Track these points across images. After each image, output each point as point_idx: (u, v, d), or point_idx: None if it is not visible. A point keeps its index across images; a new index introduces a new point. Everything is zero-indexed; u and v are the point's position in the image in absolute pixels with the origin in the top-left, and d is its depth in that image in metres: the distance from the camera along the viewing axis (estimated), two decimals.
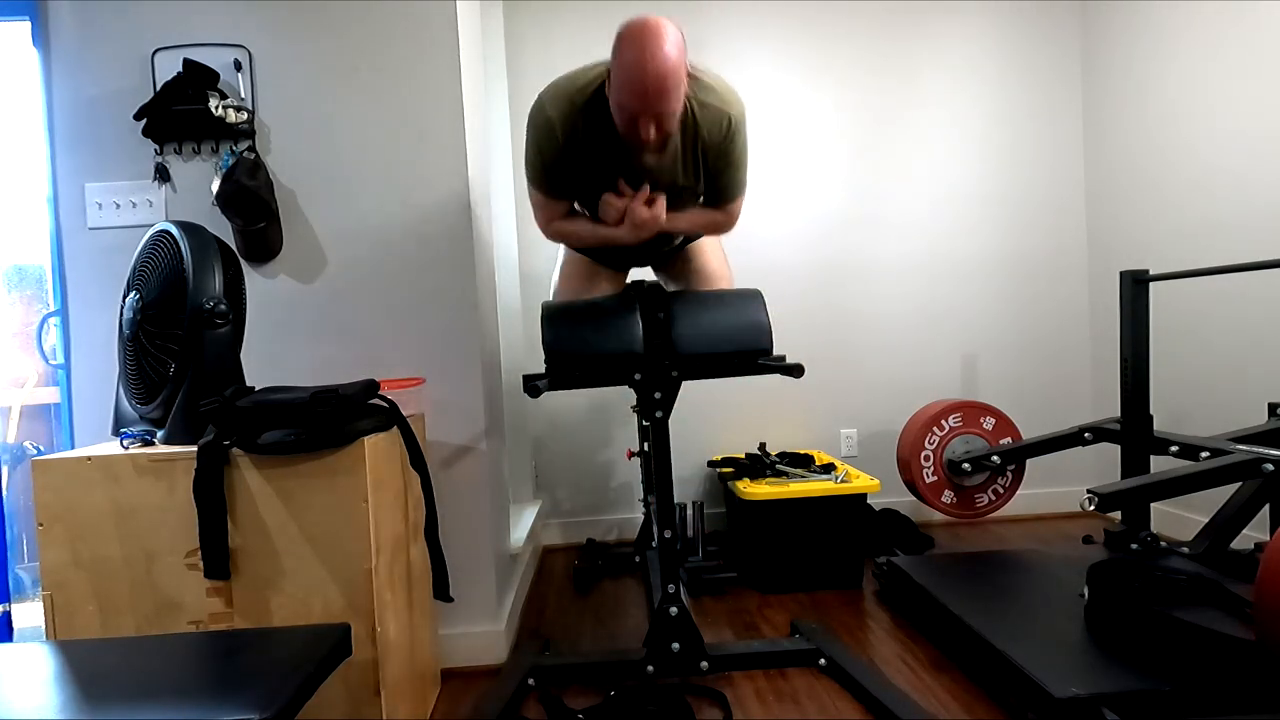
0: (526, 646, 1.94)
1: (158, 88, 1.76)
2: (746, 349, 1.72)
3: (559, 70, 1.67)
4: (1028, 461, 2.51)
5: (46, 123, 1.80)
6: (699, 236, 1.94)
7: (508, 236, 2.79)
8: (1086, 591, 1.74)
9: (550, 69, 2.86)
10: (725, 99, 1.64)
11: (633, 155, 1.58)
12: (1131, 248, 2.83)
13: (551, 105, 1.60)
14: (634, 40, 1.45)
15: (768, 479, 2.43)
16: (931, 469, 2.54)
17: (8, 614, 1.58)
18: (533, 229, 2.91)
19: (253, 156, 1.78)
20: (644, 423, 2.33)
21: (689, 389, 2.21)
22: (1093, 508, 1.74)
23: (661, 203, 1.64)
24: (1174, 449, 1.97)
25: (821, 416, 3.03)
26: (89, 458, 1.27)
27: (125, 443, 1.33)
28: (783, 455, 2.75)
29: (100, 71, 1.79)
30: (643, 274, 2.01)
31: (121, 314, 1.41)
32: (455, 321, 1.85)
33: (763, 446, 2.76)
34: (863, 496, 2.34)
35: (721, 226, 1.83)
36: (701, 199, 1.77)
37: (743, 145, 1.69)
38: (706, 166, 1.68)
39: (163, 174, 1.80)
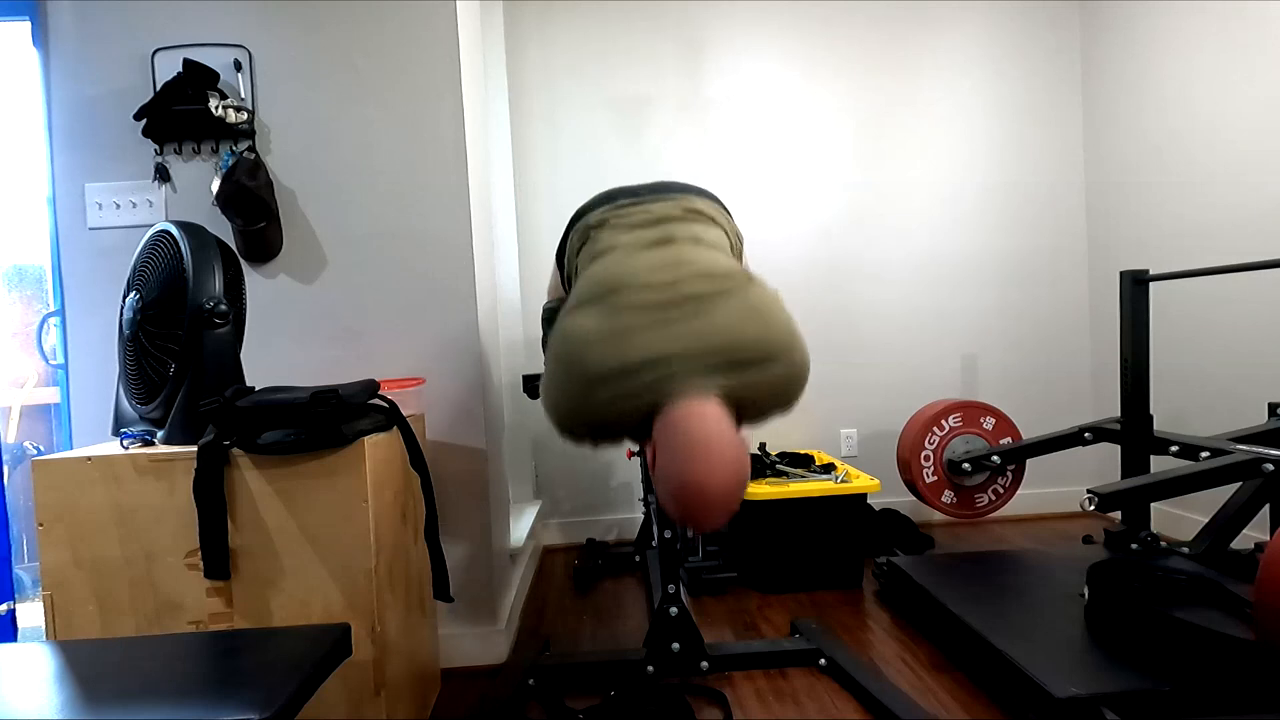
0: (526, 646, 1.94)
1: (158, 88, 1.76)
2: None
3: (559, 70, 1.65)
4: (1028, 461, 2.51)
5: (46, 123, 1.80)
6: None
7: (508, 236, 2.79)
8: (1086, 591, 1.74)
9: (550, 69, 2.90)
10: (794, 387, 1.33)
11: None
12: (1131, 248, 2.83)
13: (580, 424, 1.31)
14: (693, 497, 1.18)
15: (768, 479, 2.43)
16: (931, 469, 2.54)
17: (12, 612, 1.58)
18: (534, 228, 2.93)
19: (253, 156, 1.78)
20: None
21: None
22: (1093, 508, 1.74)
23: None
24: (1174, 449, 1.97)
25: (821, 416, 3.03)
26: (89, 458, 1.27)
27: (125, 443, 1.33)
28: (783, 455, 2.75)
29: (100, 71, 1.79)
30: None
31: (121, 314, 1.41)
32: (455, 321, 1.85)
33: (763, 446, 2.76)
34: (863, 496, 2.34)
35: None
36: None
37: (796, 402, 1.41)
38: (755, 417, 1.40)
39: (163, 174, 1.80)
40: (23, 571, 2.06)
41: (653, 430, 1.26)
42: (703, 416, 1.20)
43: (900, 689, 1.61)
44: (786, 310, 1.34)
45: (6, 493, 1.57)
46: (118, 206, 1.80)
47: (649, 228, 1.44)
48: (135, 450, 1.29)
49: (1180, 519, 2.62)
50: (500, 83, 2.80)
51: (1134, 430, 2.17)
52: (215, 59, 1.79)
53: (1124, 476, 2.19)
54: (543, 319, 1.78)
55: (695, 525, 1.23)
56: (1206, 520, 2.01)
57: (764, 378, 1.27)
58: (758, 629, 2.06)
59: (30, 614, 1.74)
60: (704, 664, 1.72)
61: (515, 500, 2.71)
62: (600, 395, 1.25)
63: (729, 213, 1.59)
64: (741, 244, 1.60)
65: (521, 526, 2.45)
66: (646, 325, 1.27)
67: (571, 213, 1.64)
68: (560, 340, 1.32)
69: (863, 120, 3.00)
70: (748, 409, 1.30)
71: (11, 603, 1.58)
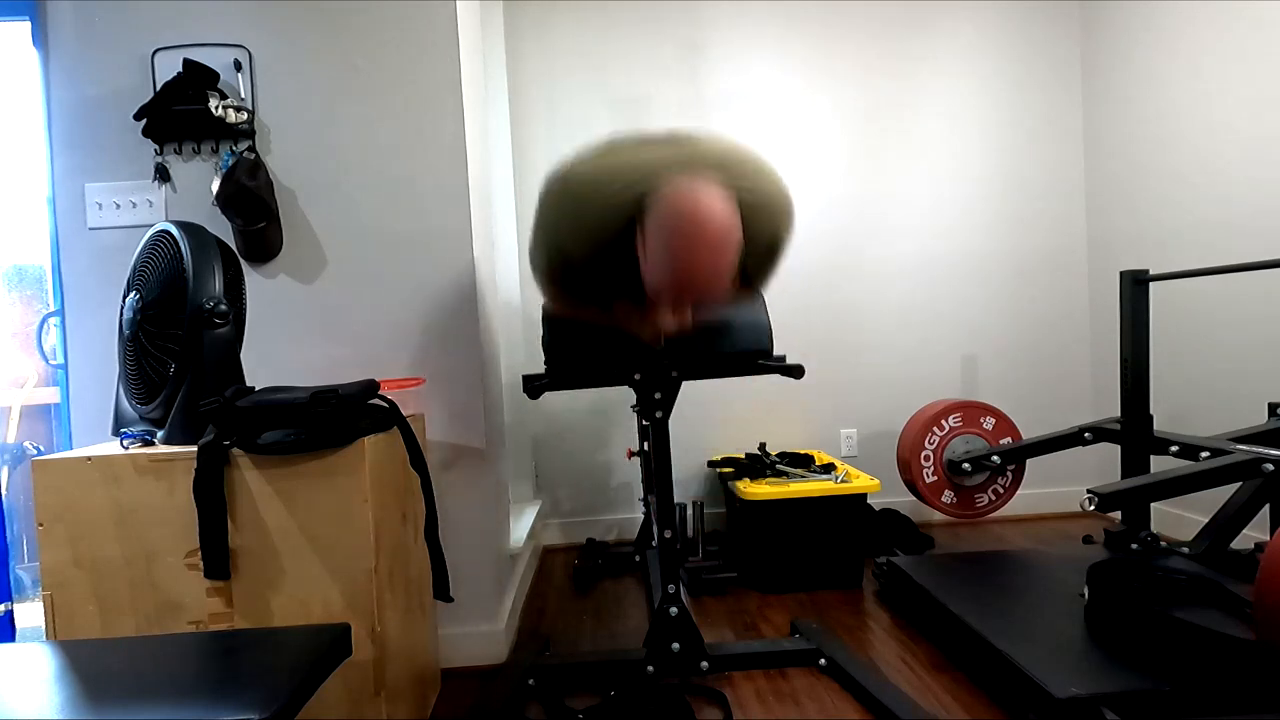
0: (526, 646, 1.94)
1: (158, 88, 1.76)
2: (746, 349, 1.72)
3: (559, 70, 1.65)
4: (1028, 461, 2.51)
5: (46, 123, 1.80)
6: None
7: (508, 236, 2.79)
8: (1086, 591, 1.74)
9: (550, 69, 2.90)
10: (777, 210, 1.42)
11: None
12: (1131, 248, 2.83)
13: (569, 235, 1.38)
14: (682, 231, 1.23)
15: (768, 479, 2.43)
16: (931, 469, 2.54)
17: (10, 613, 1.58)
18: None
19: (253, 156, 1.78)
20: (644, 423, 2.34)
21: (689, 389, 2.21)
22: (1093, 508, 1.74)
23: (688, 311, 1.43)
24: (1174, 449, 1.97)
25: (821, 416, 3.03)
26: (89, 458, 1.27)
27: (125, 443, 1.33)
28: (783, 455, 2.75)
29: (100, 71, 1.79)
30: None
31: (121, 314, 1.41)
32: (455, 321, 1.85)
33: (763, 446, 2.76)
34: (863, 496, 2.34)
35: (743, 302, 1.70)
36: None
37: (786, 248, 1.51)
38: (745, 268, 1.48)
39: (163, 174, 1.80)
40: (23, 571, 2.06)
41: (645, 218, 1.30)
42: (694, 181, 1.27)
43: (900, 689, 1.61)
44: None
45: (4, 493, 1.57)
46: (118, 206, 1.80)
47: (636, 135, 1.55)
48: (135, 450, 1.29)
49: (1180, 519, 2.62)
50: (500, 83, 2.80)
51: (1134, 430, 2.17)
52: (215, 59, 1.79)
53: (1124, 476, 2.19)
54: (543, 317, 1.78)
55: (687, 280, 1.26)
56: (1206, 520, 2.01)
57: (748, 184, 1.36)
58: (758, 629, 2.06)
59: (30, 614, 1.74)
60: (704, 664, 1.72)
61: (515, 500, 2.71)
62: (593, 195, 1.33)
63: None
64: None
65: (521, 526, 2.45)
66: (637, 148, 1.39)
67: None
68: (551, 179, 1.42)
69: (863, 120, 3.00)
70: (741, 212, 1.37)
71: (9, 603, 1.58)
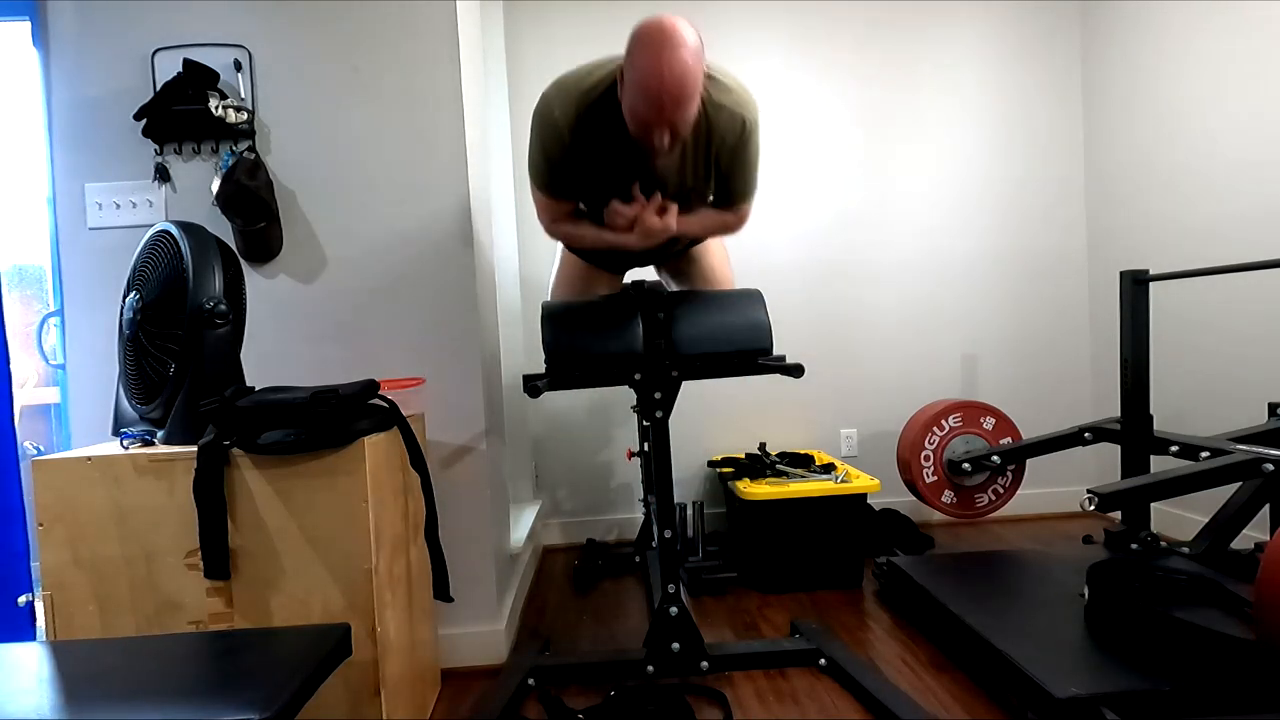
0: (526, 646, 1.94)
1: (158, 88, 1.76)
2: (746, 349, 1.72)
3: (559, 70, 1.66)
4: (1028, 461, 2.51)
5: (46, 123, 1.80)
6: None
7: (508, 236, 2.79)
8: (1086, 591, 1.74)
9: (550, 69, 2.86)
10: (741, 101, 1.60)
11: (643, 158, 1.55)
12: (1131, 248, 2.83)
13: (558, 105, 1.55)
14: (649, 44, 1.40)
15: (768, 479, 2.43)
16: (931, 469, 2.54)
17: (30, 604, 1.58)
18: (533, 228, 2.92)
19: (253, 156, 1.78)
20: (644, 423, 2.34)
21: (689, 389, 2.21)
22: (1093, 508, 1.74)
23: (673, 211, 1.59)
24: (1174, 449, 1.97)
25: (821, 416, 3.02)
26: (89, 458, 1.27)
27: (125, 443, 1.33)
28: (783, 455, 2.75)
29: (100, 71, 1.79)
30: (643, 273, 2.01)
31: (121, 314, 1.41)
32: (455, 321, 1.85)
33: (763, 446, 2.76)
34: (863, 496, 2.34)
35: (731, 228, 1.80)
36: (711, 199, 1.75)
37: (756, 147, 1.66)
38: (719, 169, 1.65)
39: (163, 174, 1.80)
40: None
41: (622, 75, 1.47)
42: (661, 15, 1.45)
43: (900, 689, 1.61)
44: None
45: (21, 486, 1.57)
46: (118, 206, 1.80)
47: None
48: (135, 450, 1.29)
49: (1180, 519, 2.62)
50: (500, 83, 2.80)
51: (1134, 430, 2.17)
52: (215, 59, 1.79)
53: (1124, 476, 2.19)
54: (543, 317, 1.78)
55: (665, 94, 1.39)
56: (1206, 520, 2.01)
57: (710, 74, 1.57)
58: (758, 629, 2.06)
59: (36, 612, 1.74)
60: (704, 664, 1.72)
61: (515, 500, 2.71)
62: (578, 86, 1.54)
63: None
64: None
65: (521, 526, 2.45)
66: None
67: None
68: (541, 95, 1.60)
69: (863, 120, 3.00)
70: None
71: (31, 595, 1.58)
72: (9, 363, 1.61)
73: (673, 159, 1.59)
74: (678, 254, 1.96)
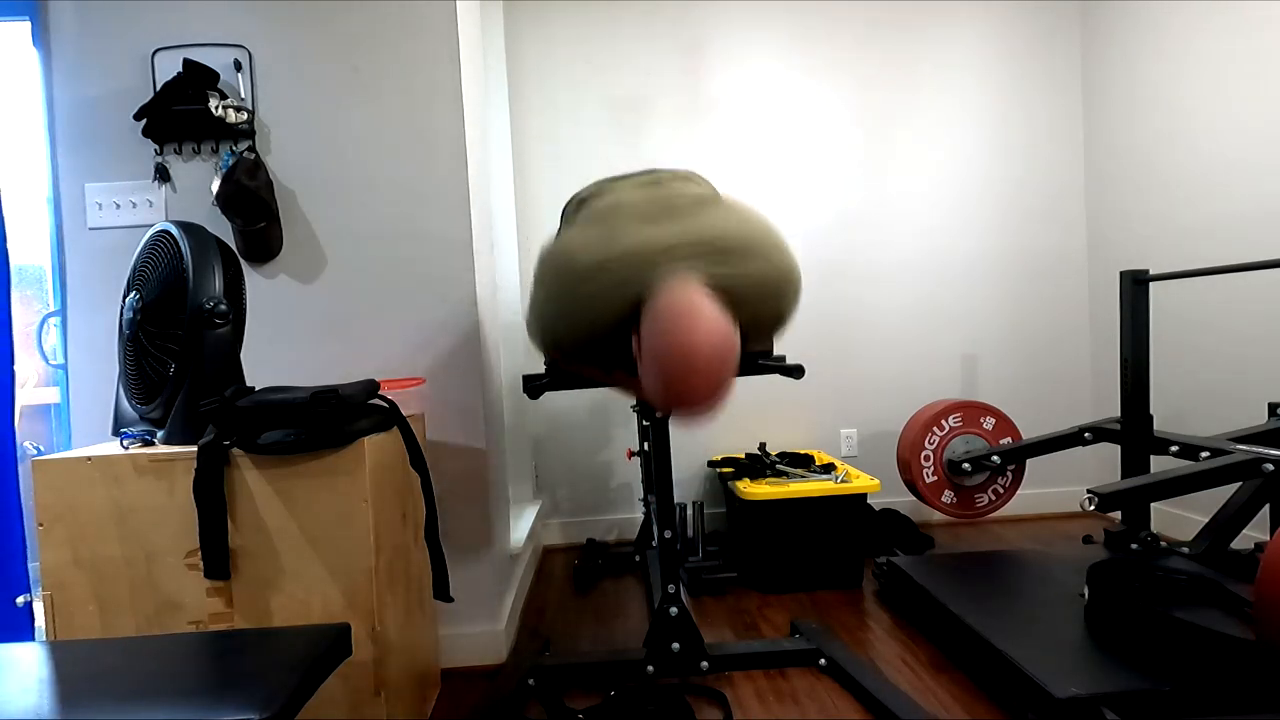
0: (526, 646, 1.94)
1: (158, 88, 1.76)
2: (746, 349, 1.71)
3: (559, 70, 1.64)
4: (1028, 461, 2.51)
5: (47, 123, 1.80)
6: None
7: (508, 236, 2.79)
8: (1086, 591, 1.74)
9: (550, 69, 2.90)
10: (782, 291, 1.37)
11: None
12: (1131, 248, 2.83)
13: (564, 328, 1.35)
14: (679, 369, 1.19)
15: (768, 479, 2.43)
16: (931, 469, 2.54)
17: (29, 604, 1.58)
18: (533, 229, 2.93)
19: (253, 156, 1.78)
20: (644, 423, 2.34)
21: None
22: (1093, 508, 1.74)
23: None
24: (1174, 449, 1.97)
25: (821, 416, 3.02)
26: (89, 458, 1.27)
27: (125, 443, 1.33)
28: (783, 455, 2.75)
29: (100, 71, 1.79)
30: None
31: (121, 314, 1.41)
32: (455, 321, 1.85)
33: (763, 446, 2.76)
34: (863, 496, 2.34)
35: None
36: None
37: (791, 317, 1.45)
38: (747, 334, 1.41)
39: (163, 174, 1.80)
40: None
41: (640, 321, 1.27)
42: (688, 293, 1.23)
43: (900, 689, 1.61)
44: (769, 219, 1.41)
45: (19, 486, 1.58)
46: (118, 206, 1.80)
47: (643, 178, 1.51)
48: (135, 450, 1.29)
49: (1180, 519, 2.62)
50: (500, 82, 2.80)
51: (1134, 430, 2.17)
52: (215, 59, 1.79)
53: (1124, 476, 2.19)
54: None
55: (683, 401, 1.23)
56: (1206, 520, 2.01)
57: (748, 270, 1.31)
58: (758, 629, 2.06)
59: (34, 613, 1.74)
60: (704, 664, 1.72)
61: (515, 500, 2.71)
62: (588, 289, 1.29)
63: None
64: None
65: (521, 526, 2.45)
66: (634, 227, 1.32)
67: None
68: (549, 256, 1.37)
69: (862, 120, 3.00)
70: (736, 304, 1.30)
71: (29, 595, 1.58)
72: (12, 363, 1.61)
73: None
74: None
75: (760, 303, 1.33)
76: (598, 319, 1.30)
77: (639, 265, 1.27)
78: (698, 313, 1.19)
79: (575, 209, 1.56)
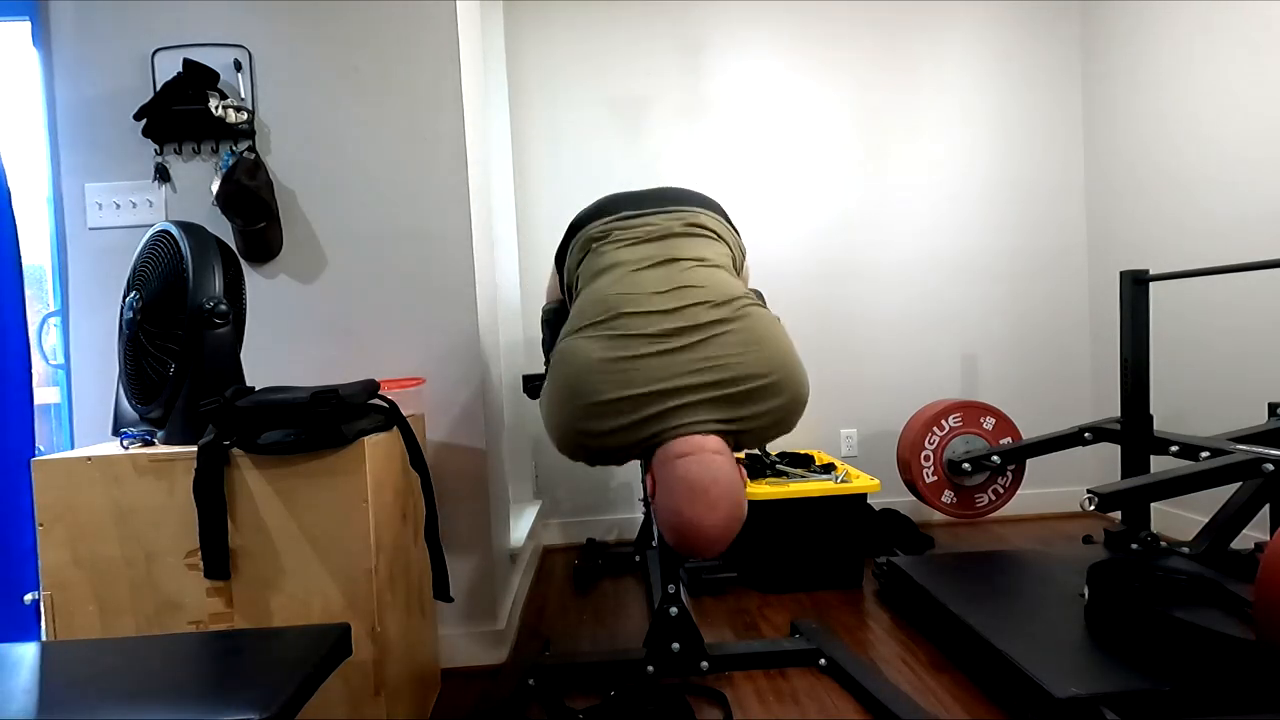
0: (526, 646, 1.94)
1: (158, 88, 1.76)
2: None
3: (559, 70, 1.65)
4: (1028, 461, 2.51)
5: (47, 123, 1.80)
6: None
7: (508, 236, 2.79)
8: (1086, 591, 1.74)
9: (550, 69, 2.90)
10: (792, 413, 1.35)
11: None
12: (1131, 248, 2.83)
13: (579, 444, 1.33)
14: (690, 531, 1.23)
15: (768, 479, 2.43)
16: (931, 469, 2.54)
17: (36, 602, 1.58)
18: (534, 229, 2.93)
19: (253, 156, 1.78)
20: None
21: None
22: (1093, 508, 1.74)
23: None
24: (1174, 449, 1.97)
25: (821, 416, 3.02)
26: (89, 458, 1.27)
27: (125, 443, 1.33)
28: (783, 455, 2.75)
29: (100, 71, 1.79)
30: None
31: (121, 314, 1.41)
32: (455, 321, 1.85)
33: (763, 446, 2.75)
34: (863, 496, 2.34)
35: None
36: None
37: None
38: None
39: (163, 174, 1.80)
40: None
41: (652, 463, 1.28)
42: (701, 456, 1.23)
43: (900, 689, 1.61)
44: (787, 337, 1.36)
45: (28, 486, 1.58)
46: (118, 206, 1.80)
47: (651, 243, 1.44)
48: (135, 450, 1.29)
49: (1180, 519, 2.62)
50: (500, 82, 2.80)
51: (1134, 430, 2.17)
52: (215, 59, 1.79)
53: (1124, 476, 2.19)
54: (542, 320, 1.78)
55: (692, 555, 1.26)
56: (1206, 520, 2.01)
57: (765, 408, 1.30)
58: (758, 629, 2.06)
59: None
60: (704, 664, 1.72)
61: (515, 500, 2.71)
62: (601, 424, 1.28)
63: (732, 225, 1.59)
64: (744, 257, 1.61)
65: (521, 526, 2.45)
66: (648, 355, 1.28)
67: (571, 215, 1.65)
68: (562, 363, 1.33)
69: (862, 120, 3.00)
70: (747, 437, 1.33)
71: (37, 593, 1.59)
72: (29, 363, 1.62)
73: None
74: None
75: (772, 429, 1.35)
76: (611, 449, 1.32)
77: (655, 410, 1.27)
78: (710, 488, 1.21)
79: (581, 255, 1.52)
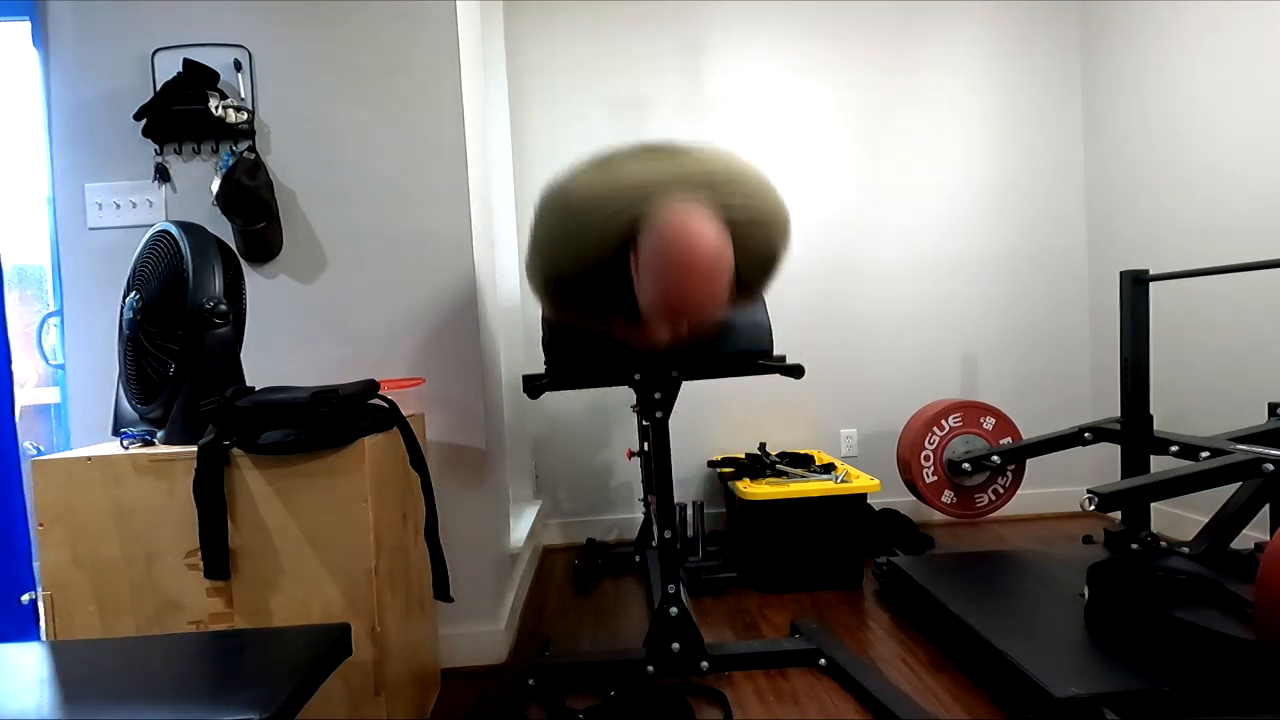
0: (526, 646, 1.94)
1: (158, 88, 1.76)
2: (746, 349, 1.72)
3: (559, 70, 1.66)
4: (1028, 461, 2.51)
5: (46, 123, 1.80)
6: None
7: (508, 236, 2.79)
8: (1086, 591, 1.74)
9: (550, 69, 2.90)
10: (772, 225, 1.43)
11: None
12: (1131, 248, 2.83)
13: (566, 259, 1.40)
14: (677, 269, 1.25)
15: (768, 479, 2.43)
16: (931, 469, 2.54)
17: (34, 602, 1.58)
18: None
19: (253, 156, 1.78)
20: (644, 423, 2.34)
21: (689, 389, 2.21)
22: (1093, 508, 1.74)
23: (683, 328, 1.45)
24: (1174, 449, 1.97)
25: (821, 416, 3.02)
26: (89, 458, 1.27)
27: (125, 443, 1.33)
28: (783, 455, 2.75)
29: (100, 71, 1.79)
30: None
31: (121, 314, 1.41)
32: (455, 321, 1.85)
33: (763, 446, 2.76)
34: (863, 496, 2.34)
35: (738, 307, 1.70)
36: None
37: (783, 258, 1.51)
38: (741, 279, 1.47)
39: (163, 174, 1.80)
40: None
41: (638, 243, 1.33)
42: (685, 208, 1.29)
43: (900, 689, 1.61)
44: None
45: (23, 486, 1.58)
46: (118, 206, 1.80)
47: (637, 146, 1.54)
48: (135, 450, 1.29)
49: (1180, 519, 2.62)
50: (500, 83, 2.80)
51: (1134, 430, 2.17)
52: (215, 59, 1.79)
53: (1124, 476, 2.19)
54: (542, 319, 1.78)
55: (679, 306, 1.29)
56: (1206, 520, 2.01)
57: (742, 202, 1.37)
58: (758, 629, 2.06)
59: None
60: (704, 664, 1.72)
61: (515, 500, 2.71)
62: (589, 219, 1.35)
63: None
64: None
65: (521, 526, 2.45)
66: (633, 165, 1.39)
67: None
68: (550, 194, 1.42)
69: (863, 119, 3.00)
70: (729, 231, 1.35)
71: (34, 593, 1.58)
72: (10, 362, 1.61)
73: None
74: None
75: (752, 236, 1.39)
76: (599, 244, 1.36)
77: (638, 194, 1.34)
78: (694, 220, 1.26)
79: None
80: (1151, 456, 2.16)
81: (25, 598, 1.59)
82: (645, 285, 1.31)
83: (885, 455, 3.00)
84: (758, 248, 1.41)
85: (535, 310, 2.83)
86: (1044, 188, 3.06)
